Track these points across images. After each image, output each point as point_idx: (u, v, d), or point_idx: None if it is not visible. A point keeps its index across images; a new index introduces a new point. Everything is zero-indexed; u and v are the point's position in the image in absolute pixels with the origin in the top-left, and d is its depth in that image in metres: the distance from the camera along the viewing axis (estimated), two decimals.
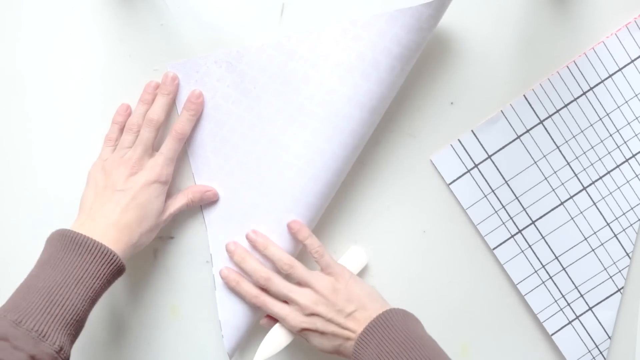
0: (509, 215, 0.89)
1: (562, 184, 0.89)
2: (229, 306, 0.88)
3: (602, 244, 0.90)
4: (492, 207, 0.89)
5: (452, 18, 0.85)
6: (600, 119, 0.88)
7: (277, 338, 0.86)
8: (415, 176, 0.89)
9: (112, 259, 0.76)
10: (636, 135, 0.88)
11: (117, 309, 0.92)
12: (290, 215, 0.86)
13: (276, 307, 0.84)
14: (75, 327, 0.73)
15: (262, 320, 0.87)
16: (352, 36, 0.82)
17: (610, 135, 0.88)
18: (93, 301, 0.75)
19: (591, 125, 0.88)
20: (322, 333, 0.82)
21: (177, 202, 0.86)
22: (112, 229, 0.79)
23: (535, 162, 0.88)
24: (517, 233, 0.90)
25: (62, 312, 0.72)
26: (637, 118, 0.88)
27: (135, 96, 0.87)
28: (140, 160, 0.83)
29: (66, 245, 0.75)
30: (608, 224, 0.90)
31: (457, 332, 0.92)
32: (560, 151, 0.88)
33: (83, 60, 0.88)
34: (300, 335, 0.84)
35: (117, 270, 0.77)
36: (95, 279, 0.75)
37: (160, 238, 0.89)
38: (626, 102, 0.88)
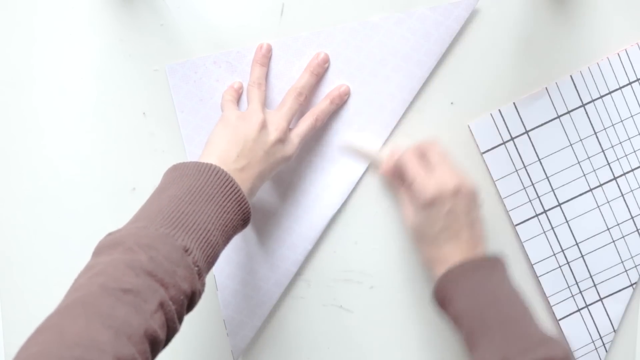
0: (537, 194, 0.89)
1: (594, 170, 0.89)
2: (232, 304, 0.88)
3: (623, 237, 0.90)
4: (522, 183, 0.89)
5: None
6: None
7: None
8: None
9: (246, 207, 0.74)
10: None
11: None
12: (300, 215, 0.87)
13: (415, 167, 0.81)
14: (212, 257, 0.70)
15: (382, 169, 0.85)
16: (361, 36, 0.85)
17: None
18: (225, 242, 0.72)
19: (632, 116, 0.88)
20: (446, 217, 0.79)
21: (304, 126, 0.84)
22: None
23: (571, 145, 0.88)
24: (542, 213, 0.89)
25: (204, 236, 0.68)
26: None
27: (135, 96, 0.87)
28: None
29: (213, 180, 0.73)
30: (632, 218, 0.90)
31: None
32: (597, 137, 0.88)
33: (83, 60, 0.88)
34: (421, 212, 0.80)
35: (246, 219, 0.75)
36: (230, 221, 0.72)
37: None
38: None
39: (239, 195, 0.72)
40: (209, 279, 0.82)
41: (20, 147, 0.89)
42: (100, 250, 0.64)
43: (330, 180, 0.87)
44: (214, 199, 0.70)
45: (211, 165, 0.72)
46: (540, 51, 0.87)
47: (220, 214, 0.70)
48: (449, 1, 0.85)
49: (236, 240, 0.86)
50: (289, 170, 0.87)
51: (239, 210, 0.73)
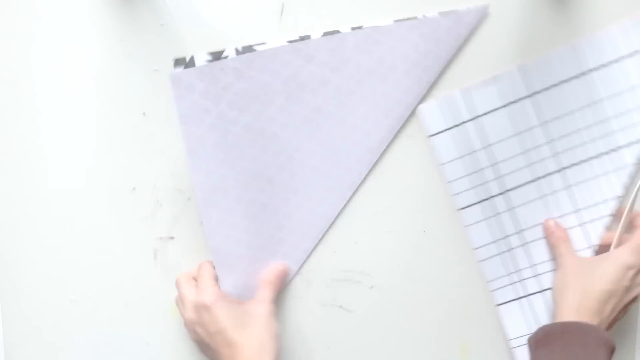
0: (482, 180, 0.90)
1: (540, 160, 0.89)
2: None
3: (566, 230, 0.88)
4: (468, 168, 0.90)
5: None
6: (591, 104, 0.87)
7: None
8: (416, 177, 0.91)
9: None
10: (623, 129, 0.87)
11: (117, 309, 0.91)
12: (302, 216, 0.89)
13: None
14: None
15: None
16: (373, 41, 0.85)
17: (597, 123, 0.87)
18: None
19: (580, 108, 0.87)
20: None
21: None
22: None
23: (518, 133, 0.89)
24: (486, 199, 0.90)
25: None
26: (627, 112, 0.86)
27: (135, 96, 0.87)
28: None
29: None
30: (575, 211, 0.88)
31: (457, 332, 0.93)
32: (545, 128, 0.88)
33: (83, 60, 0.87)
34: None
35: None
36: None
37: (160, 238, 0.90)
38: (619, 93, 0.86)
39: None
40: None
41: (19, 146, 0.89)
42: None
43: (333, 183, 0.88)
44: None
45: None
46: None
47: None
48: (460, 7, 0.86)
49: (239, 248, 0.87)
50: (292, 173, 0.87)
51: None
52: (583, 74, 0.87)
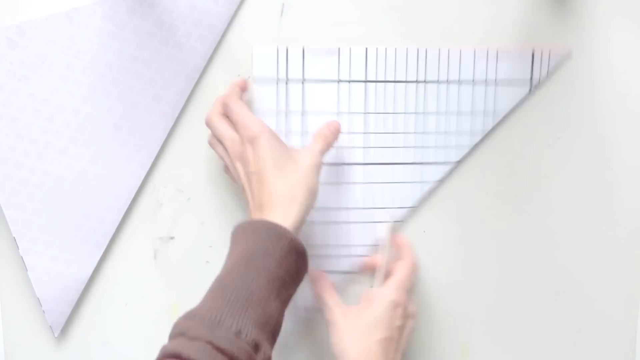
0: None
1: (351, 147, 0.86)
2: (45, 282, 0.88)
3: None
4: (278, 127, 0.86)
5: None
6: (417, 113, 0.86)
7: None
8: None
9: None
10: (436, 147, 0.87)
11: (117, 309, 0.90)
12: (105, 192, 0.87)
13: None
14: (270, 326, 0.69)
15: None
16: (147, 4, 0.83)
17: (417, 133, 0.86)
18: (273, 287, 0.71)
19: (407, 113, 0.86)
20: None
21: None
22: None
23: (340, 113, 0.86)
24: None
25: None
26: (445, 133, 0.86)
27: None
28: None
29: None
30: (367, 208, 0.88)
31: (457, 332, 0.93)
32: (366, 118, 0.86)
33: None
34: None
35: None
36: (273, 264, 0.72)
37: (160, 238, 0.89)
38: (446, 114, 0.86)
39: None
40: (209, 280, 0.77)
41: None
42: (173, 334, 0.67)
43: (131, 152, 0.87)
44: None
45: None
46: None
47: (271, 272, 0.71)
48: None
49: (41, 220, 0.86)
50: (86, 144, 0.86)
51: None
52: (420, 82, 0.85)
